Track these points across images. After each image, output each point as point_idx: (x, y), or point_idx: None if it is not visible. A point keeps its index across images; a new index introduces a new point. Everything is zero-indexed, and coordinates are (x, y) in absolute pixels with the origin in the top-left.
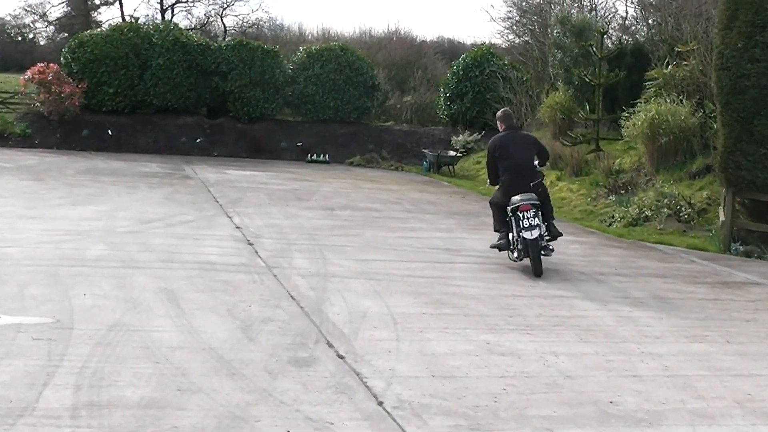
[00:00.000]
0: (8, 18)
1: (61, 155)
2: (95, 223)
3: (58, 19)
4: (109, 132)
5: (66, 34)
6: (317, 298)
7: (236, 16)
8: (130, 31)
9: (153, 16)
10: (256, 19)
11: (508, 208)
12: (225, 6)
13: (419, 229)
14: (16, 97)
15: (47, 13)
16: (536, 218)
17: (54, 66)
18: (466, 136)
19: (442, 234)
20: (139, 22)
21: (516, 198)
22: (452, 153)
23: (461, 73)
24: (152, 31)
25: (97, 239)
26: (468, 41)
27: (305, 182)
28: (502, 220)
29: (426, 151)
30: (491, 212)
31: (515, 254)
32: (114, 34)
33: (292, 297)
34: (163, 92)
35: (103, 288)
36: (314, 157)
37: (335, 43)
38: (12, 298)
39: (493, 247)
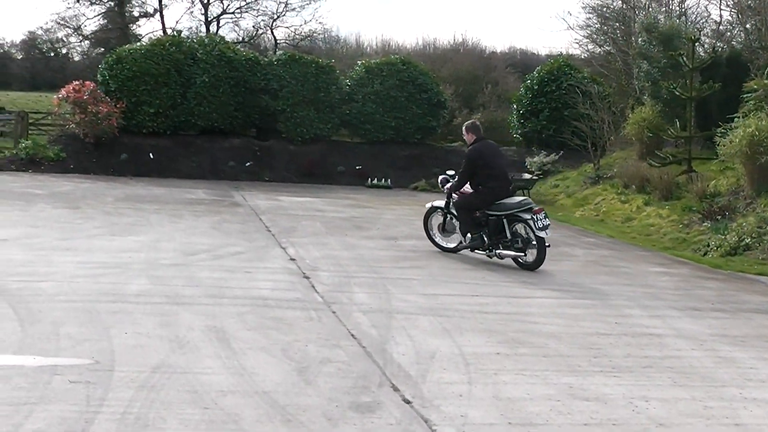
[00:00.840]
0: (40, 32)
1: (98, 181)
2: (136, 255)
3: (93, 32)
4: (150, 155)
5: (102, 49)
6: (380, 337)
7: (288, 27)
8: (171, 45)
9: (197, 28)
10: (310, 30)
11: (498, 212)
12: (275, 17)
13: (492, 260)
14: (50, 117)
15: (82, 27)
16: (547, 218)
17: (90, 84)
18: (543, 157)
19: (517, 265)
20: (182, 35)
21: (512, 201)
22: (527, 176)
23: (536, 87)
24: (196, 46)
25: (139, 273)
26: (543, 52)
27: (365, 209)
28: (473, 223)
29: None
30: (475, 221)
31: (509, 252)
32: (154, 48)
33: (352, 335)
34: (208, 112)
35: (145, 326)
36: (374, 181)
37: (396, 56)
38: (46, 338)
39: (463, 248)
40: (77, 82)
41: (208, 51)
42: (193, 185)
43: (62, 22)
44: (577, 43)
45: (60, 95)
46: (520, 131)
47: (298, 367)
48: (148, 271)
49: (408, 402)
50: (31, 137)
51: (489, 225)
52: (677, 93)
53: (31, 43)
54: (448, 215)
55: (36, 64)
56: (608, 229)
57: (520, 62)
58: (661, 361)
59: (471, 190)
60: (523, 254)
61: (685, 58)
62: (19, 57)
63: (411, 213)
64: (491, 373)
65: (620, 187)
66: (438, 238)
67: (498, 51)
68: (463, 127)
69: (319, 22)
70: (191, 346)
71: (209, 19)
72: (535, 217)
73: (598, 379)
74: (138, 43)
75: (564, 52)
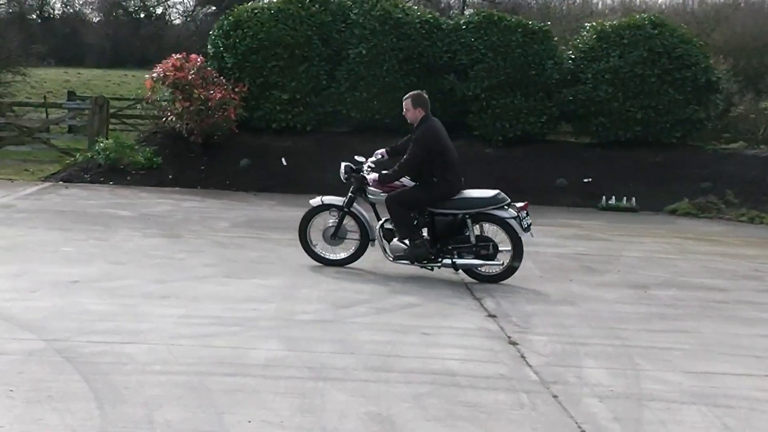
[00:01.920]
0: None
1: (207, 198)
2: (263, 306)
3: None
4: (282, 162)
5: (214, 9)
6: None
7: None
8: (313, 2)
9: None
10: None
11: (458, 210)
12: None
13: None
14: (139, 107)
15: None
16: (529, 216)
17: (197, 58)
18: None
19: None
20: None
21: (483, 195)
22: None
23: None
24: (349, 3)
25: (267, 332)
26: None
27: (598, 242)
28: (413, 225)
29: None
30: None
31: (470, 260)
32: (289, 8)
33: None
34: (366, 99)
35: (278, 411)
36: (611, 201)
37: (643, 15)
38: (135, 426)
39: (401, 259)
40: (178, 56)
41: (367, 10)
42: None
43: None
44: None
45: (154, 74)
46: None
47: None
48: (280, 330)
49: None
50: (112, 135)
51: (437, 227)
52: None
53: (112, 0)
54: (347, 216)
55: (120, 30)
56: None
57: None
58: None
59: (411, 183)
60: (498, 262)
61: None
62: (96, 20)
63: (668, 249)
64: None
65: None
66: (320, 249)
67: None
68: (409, 99)
69: None
70: None
71: None
72: (520, 215)
73: None
74: (265, 1)
75: None
